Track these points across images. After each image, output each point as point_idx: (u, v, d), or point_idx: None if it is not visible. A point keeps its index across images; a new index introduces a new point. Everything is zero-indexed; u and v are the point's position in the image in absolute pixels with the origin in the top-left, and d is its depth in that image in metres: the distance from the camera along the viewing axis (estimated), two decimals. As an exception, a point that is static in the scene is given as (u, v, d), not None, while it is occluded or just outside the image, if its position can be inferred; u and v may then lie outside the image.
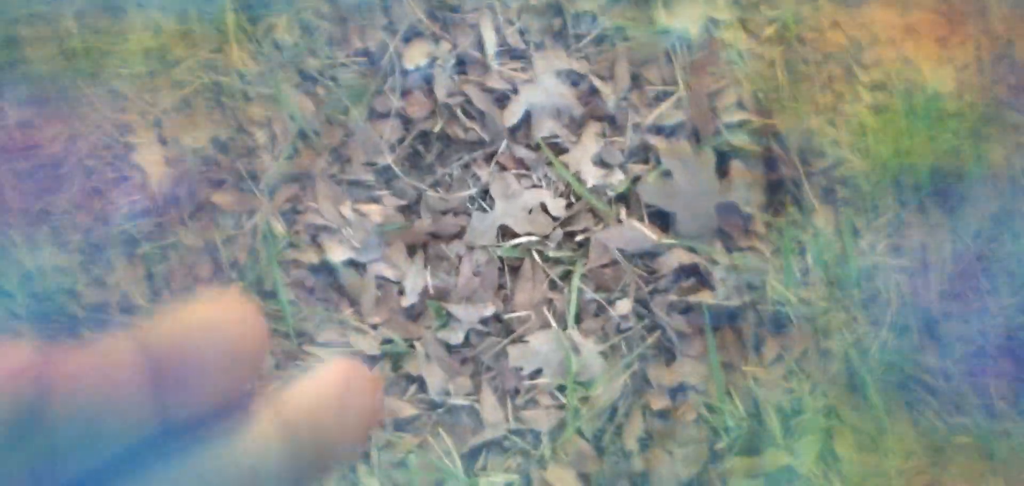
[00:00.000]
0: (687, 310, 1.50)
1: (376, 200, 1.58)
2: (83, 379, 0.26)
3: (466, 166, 1.59)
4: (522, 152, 1.58)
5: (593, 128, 1.58)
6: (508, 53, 1.64)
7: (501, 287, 1.53)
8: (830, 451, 1.43)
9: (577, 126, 1.59)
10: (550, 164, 1.57)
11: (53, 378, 0.25)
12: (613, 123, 1.59)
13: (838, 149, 1.55)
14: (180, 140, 1.68)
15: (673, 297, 1.50)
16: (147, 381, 0.26)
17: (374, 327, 1.53)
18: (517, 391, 1.49)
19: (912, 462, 1.41)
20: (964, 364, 1.44)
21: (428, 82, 1.63)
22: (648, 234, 1.52)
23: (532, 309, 1.51)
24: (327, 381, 0.29)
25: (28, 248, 1.66)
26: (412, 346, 1.52)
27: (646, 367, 1.49)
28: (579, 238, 1.54)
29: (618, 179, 1.55)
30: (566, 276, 1.52)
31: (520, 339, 1.50)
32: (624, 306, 1.50)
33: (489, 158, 1.59)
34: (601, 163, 1.57)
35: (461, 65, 1.64)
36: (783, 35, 1.61)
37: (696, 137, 1.57)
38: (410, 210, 1.58)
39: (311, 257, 1.57)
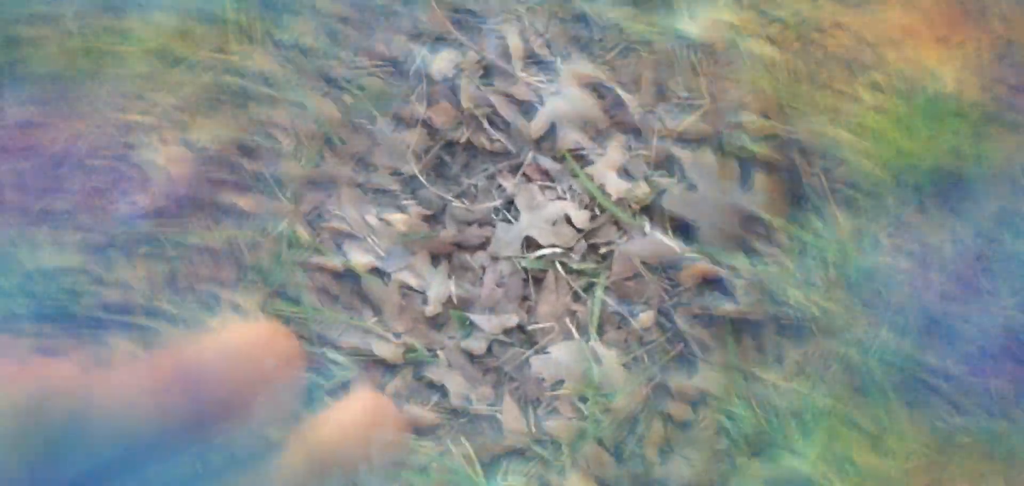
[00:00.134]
0: (709, 321, 1.53)
1: (401, 209, 1.62)
2: (121, 396, 0.26)
3: (491, 177, 1.62)
4: (547, 163, 1.61)
5: (618, 140, 1.61)
6: (534, 63, 1.67)
7: (524, 298, 1.56)
8: (849, 459, 1.45)
9: (602, 138, 1.62)
10: (575, 176, 1.60)
11: (93, 393, 0.26)
12: (638, 134, 1.62)
13: (859, 156, 1.57)
14: (204, 143, 1.71)
15: (696, 308, 1.53)
16: (183, 402, 0.27)
17: (397, 335, 1.57)
18: (539, 401, 1.52)
19: (932, 469, 1.44)
20: (985, 367, 1.47)
21: (454, 91, 1.66)
22: (671, 245, 1.55)
23: (555, 320, 1.54)
24: (353, 414, 0.29)
25: (49, 247, 1.69)
26: (435, 355, 1.55)
27: (668, 378, 1.51)
28: (603, 250, 1.57)
29: (642, 191, 1.58)
30: (589, 288, 1.56)
31: (543, 349, 1.53)
32: (647, 317, 1.53)
33: (514, 169, 1.62)
34: (625, 175, 1.60)
35: (487, 75, 1.67)
36: (807, 46, 1.64)
37: (720, 148, 1.60)
38: (435, 219, 1.61)
39: (335, 264, 1.60)
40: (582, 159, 1.62)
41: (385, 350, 1.56)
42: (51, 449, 0.25)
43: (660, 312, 1.54)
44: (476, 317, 1.55)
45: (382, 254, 1.60)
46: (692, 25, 1.67)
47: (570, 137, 1.62)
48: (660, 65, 1.66)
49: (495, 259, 1.58)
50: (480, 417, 1.53)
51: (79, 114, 1.77)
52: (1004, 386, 1.46)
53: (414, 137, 1.65)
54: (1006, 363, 1.47)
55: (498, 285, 1.56)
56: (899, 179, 1.57)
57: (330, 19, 1.73)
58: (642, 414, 1.50)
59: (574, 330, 1.54)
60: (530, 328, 1.55)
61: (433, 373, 1.54)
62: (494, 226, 1.59)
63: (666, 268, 1.55)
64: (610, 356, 1.52)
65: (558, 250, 1.57)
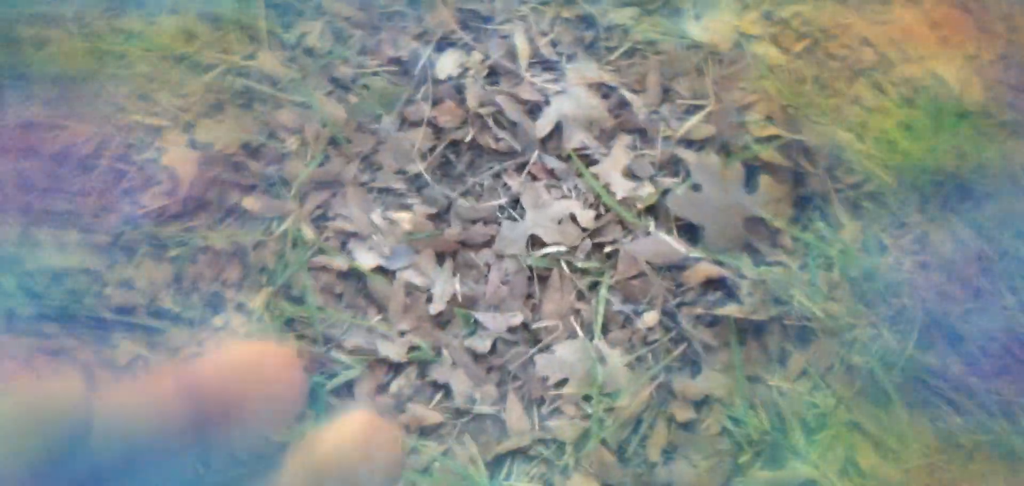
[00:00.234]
0: (714, 322, 1.54)
1: (406, 207, 1.63)
2: (127, 411, 0.27)
3: (497, 175, 1.64)
4: (553, 162, 1.63)
5: (623, 140, 1.63)
6: (540, 64, 1.69)
7: (529, 296, 1.57)
8: (854, 464, 1.46)
9: (607, 138, 1.64)
10: (580, 175, 1.61)
11: (100, 406, 0.26)
12: (643, 135, 1.64)
13: (865, 162, 1.59)
14: (210, 144, 1.73)
15: (700, 309, 1.54)
16: (187, 419, 0.27)
17: (402, 334, 1.58)
18: (543, 400, 1.53)
19: (936, 472, 1.45)
20: (988, 373, 1.48)
21: (460, 91, 1.68)
22: (676, 246, 1.56)
23: (559, 319, 1.56)
24: (353, 432, 0.29)
25: (54, 247, 1.71)
26: (439, 353, 1.56)
27: (671, 378, 1.53)
28: (608, 249, 1.58)
29: (647, 191, 1.60)
30: (594, 287, 1.57)
31: (547, 348, 1.55)
32: (651, 318, 1.54)
33: (520, 168, 1.64)
34: (631, 175, 1.61)
35: (493, 75, 1.69)
36: (812, 49, 1.66)
37: (725, 150, 1.61)
38: (440, 218, 1.63)
39: (340, 263, 1.62)
40: (587, 159, 1.63)
41: (389, 349, 1.57)
42: (53, 458, 0.26)
43: (664, 312, 1.55)
44: (481, 315, 1.57)
45: (387, 253, 1.61)
46: (697, 28, 1.69)
47: (576, 137, 1.64)
48: (666, 67, 1.67)
49: (500, 257, 1.59)
50: (484, 416, 1.54)
51: (84, 115, 1.79)
52: (1007, 388, 1.47)
53: (420, 137, 1.67)
54: (1009, 365, 1.48)
55: (503, 283, 1.58)
56: (903, 181, 1.58)
57: (336, 20, 1.75)
58: (646, 415, 1.51)
59: (578, 329, 1.55)
60: (535, 327, 1.56)
61: (437, 372, 1.56)
62: (499, 224, 1.61)
63: (671, 268, 1.57)
64: (614, 356, 1.53)
65: (563, 249, 1.58)
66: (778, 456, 1.49)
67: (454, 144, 1.67)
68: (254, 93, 1.75)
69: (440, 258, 1.61)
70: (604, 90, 1.67)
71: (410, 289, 1.60)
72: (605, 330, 1.55)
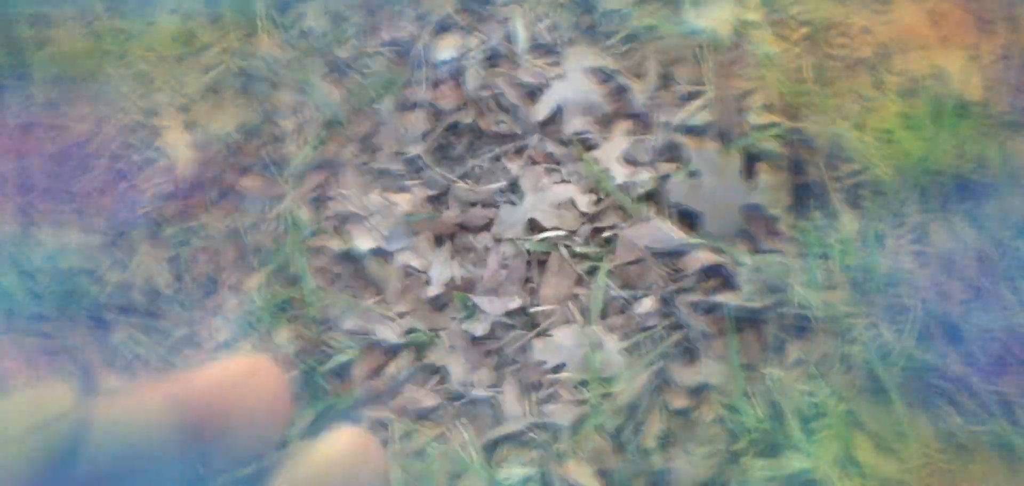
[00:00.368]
0: (711, 310, 1.55)
1: (404, 189, 1.64)
2: (118, 423, 0.27)
3: (496, 159, 1.65)
4: (552, 147, 1.64)
5: (622, 125, 1.64)
6: (539, 48, 1.70)
7: (527, 280, 1.58)
8: (849, 455, 1.47)
9: (606, 123, 1.65)
10: (579, 160, 1.62)
11: (92, 417, 0.27)
12: (642, 121, 1.65)
13: (864, 153, 1.60)
14: (207, 126, 1.73)
15: (697, 296, 1.55)
16: (177, 433, 0.28)
17: (399, 316, 1.59)
18: (539, 385, 1.54)
19: (930, 466, 1.46)
20: (986, 368, 1.49)
21: (458, 74, 1.69)
22: (674, 233, 1.57)
23: (557, 303, 1.57)
24: (339, 449, 0.30)
25: (52, 229, 1.71)
26: (436, 336, 1.57)
27: (668, 365, 1.54)
28: (606, 234, 1.59)
29: (646, 177, 1.61)
30: (592, 272, 1.58)
31: (544, 333, 1.56)
32: (648, 304, 1.55)
33: (519, 152, 1.65)
34: (630, 160, 1.62)
35: (492, 59, 1.70)
36: (812, 38, 1.67)
37: (724, 138, 1.63)
38: (438, 201, 1.64)
39: (337, 245, 1.63)
40: (586, 144, 1.64)
41: (386, 331, 1.58)
42: (45, 468, 0.26)
43: (662, 299, 1.56)
44: (478, 299, 1.58)
45: (385, 235, 1.62)
46: (697, 15, 1.70)
47: (575, 122, 1.65)
48: (665, 53, 1.68)
49: (498, 241, 1.60)
50: (480, 400, 1.55)
51: (84, 112, 1.79)
52: (1009, 387, 1.48)
53: (419, 119, 1.68)
54: (1012, 364, 1.50)
55: (501, 267, 1.59)
56: (902, 176, 1.59)
57: (333, 2, 1.76)
58: (642, 401, 1.52)
59: (576, 314, 1.56)
60: (532, 311, 1.57)
61: (434, 355, 1.57)
62: (498, 208, 1.62)
63: (669, 255, 1.58)
64: (611, 341, 1.54)
65: (562, 233, 1.59)
66: (774, 447, 1.50)
67: (453, 127, 1.68)
68: (251, 75, 1.76)
69: (438, 241, 1.62)
70: (603, 75, 1.68)
71: (408, 271, 1.61)
72: (603, 316, 1.56)
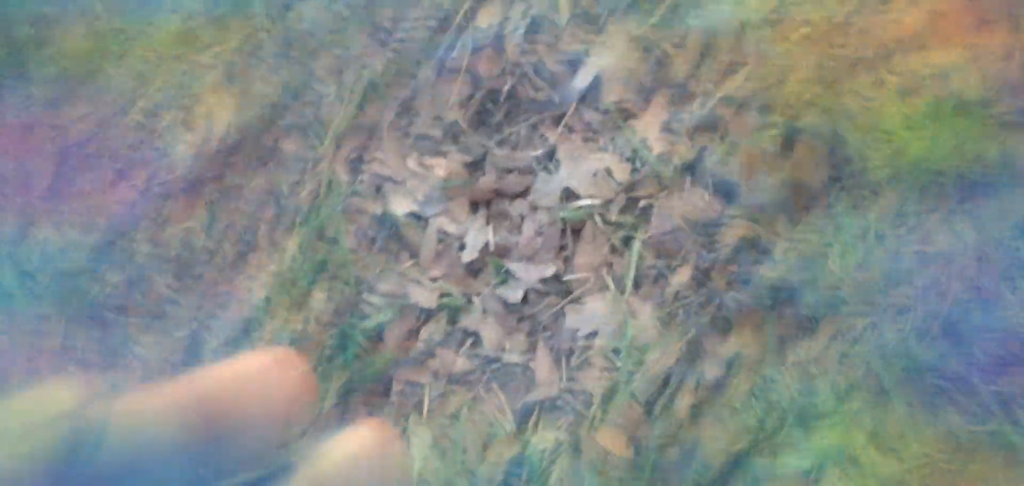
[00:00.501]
0: (746, 283, 1.56)
1: (442, 155, 1.66)
2: (135, 423, 0.27)
3: (534, 126, 1.67)
4: (590, 116, 1.65)
5: (662, 96, 1.65)
6: (581, 17, 1.71)
7: (562, 248, 1.60)
8: (883, 430, 1.48)
9: (646, 93, 1.66)
10: (617, 129, 1.64)
11: (107, 416, 0.27)
12: (682, 92, 1.65)
13: (899, 135, 1.60)
14: (249, 86, 1.76)
15: (733, 269, 1.56)
16: (196, 431, 0.27)
17: (433, 280, 1.61)
18: (572, 352, 1.56)
19: (957, 447, 1.46)
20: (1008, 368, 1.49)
21: (499, 42, 1.71)
22: (711, 205, 1.58)
23: (591, 272, 1.58)
24: (361, 444, 0.30)
25: (89, 184, 1.74)
26: (470, 301, 1.59)
27: (702, 336, 1.55)
28: (642, 204, 1.61)
29: (684, 148, 1.62)
30: (627, 241, 1.59)
31: (578, 301, 1.57)
32: (684, 275, 1.57)
33: (557, 120, 1.66)
34: (668, 131, 1.63)
35: (533, 27, 1.71)
36: (857, 12, 1.67)
37: (764, 111, 1.63)
38: (475, 167, 1.66)
39: (374, 207, 1.65)
40: (625, 113, 1.65)
41: (421, 295, 1.60)
42: (52, 472, 0.26)
43: (697, 271, 1.57)
44: (513, 266, 1.60)
45: (421, 199, 1.65)
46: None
47: (614, 91, 1.66)
48: (706, 25, 1.69)
49: (534, 208, 1.62)
50: (513, 366, 1.57)
51: (135, 55, 1.82)
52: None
53: (457, 85, 1.70)
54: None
55: (536, 234, 1.60)
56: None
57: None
58: (675, 371, 1.53)
59: (610, 283, 1.58)
60: (566, 279, 1.59)
61: (468, 320, 1.59)
62: (534, 175, 1.63)
63: (705, 226, 1.59)
64: (645, 311, 1.56)
65: (597, 202, 1.61)
66: (805, 419, 1.51)
67: (492, 93, 1.69)
68: (294, 37, 1.78)
69: (474, 207, 1.64)
70: (644, 46, 1.69)
71: (443, 236, 1.63)
72: (637, 285, 1.57)
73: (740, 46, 1.67)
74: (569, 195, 1.62)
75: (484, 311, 1.58)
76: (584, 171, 1.62)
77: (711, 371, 1.53)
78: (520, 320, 1.58)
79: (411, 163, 1.66)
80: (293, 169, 1.70)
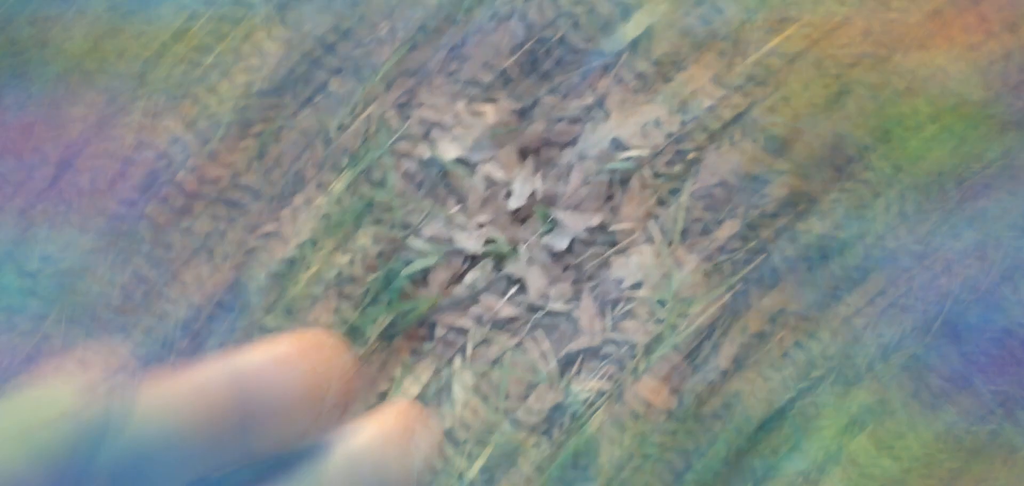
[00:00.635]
0: (793, 237, 1.57)
1: (491, 101, 1.68)
2: (170, 401, 0.27)
3: (584, 75, 1.67)
4: (640, 66, 1.66)
5: (714, 47, 1.65)
6: (633, -35, 1.71)
7: (609, 198, 1.61)
8: (926, 389, 1.49)
9: (697, 45, 1.66)
10: (668, 80, 1.64)
11: (141, 392, 0.27)
12: (735, 44, 1.66)
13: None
14: (300, 23, 1.77)
15: (781, 223, 1.57)
16: (232, 413, 0.27)
17: (479, 226, 1.63)
18: (616, 302, 1.58)
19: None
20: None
21: (551, -13, 1.71)
22: (760, 158, 1.59)
23: (638, 223, 1.59)
24: (391, 423, 0.30)
25: (146, 127, 1.76)
26: (515, 249, 1.61)
27: (747, 289, 1.56)
28: (691, 156, 1.61)
29: (734, 101, 1.62)
30: (674, 193, 1.60)
31: (624, 251, 1.59)
32: (730, 227, 1.58)
33: (607, 69, 1.67)
34: (718, 83, 1.64)
35: (585, -27, 1.72)
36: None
37: (816, 65, 1.63)
38: (524, 114, 1.67)
39: (422, 151, 1.67)
40: (676, 64, 1.66)
41: (466, 240, 1.62)
42: (62, 469, 0.26)
43: (744, 224, 1.58)
44: (559, 214, 1.61)
45: (469, 144, 1.66)
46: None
47: (665, 42, 1.66)
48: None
49: (582, 158, 1.63)
50: (557, 314, 1.59)
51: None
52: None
53: (510, 31, 1.71)
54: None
55: (584, 183, 1.62)
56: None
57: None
58: (719, 324, 1.55)
59: (656, 234, 1.59)
60: (612, 229, 1.60)
61: (513, 267, 1.61)
62: (583, 124, 1.64)
63: (754, 180, 1.60)
64: (691, 262, 1.57)
65: (646, 153, 1.61)
66: (849, 376, 1.52)
67: (543, 41, 1.70)
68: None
69: (522, 154, 1.65)
70: (697, -4, 1.69)
71: (490, 182, 1.65)
72: (683, 237, 1.58)
73: (793, -1, 1.67)
74: (617, 145, 1.63)
75: (529, 259, 1.60)
76: (633, 121, 1.63)
77: (755, 324, 1.55)
78: (565, 269, 1.60)
79: (460, 108, 1.67)
80: (341, 110, 1.71)
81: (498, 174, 1.64)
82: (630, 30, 1.68)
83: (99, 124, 1.77)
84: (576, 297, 1.59)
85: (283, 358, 0.28)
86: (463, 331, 1.59)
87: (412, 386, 1.55)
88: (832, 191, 1.58)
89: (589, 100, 1.66)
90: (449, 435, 1.54)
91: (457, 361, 1.57)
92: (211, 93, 1.77)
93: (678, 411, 1.52)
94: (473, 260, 1.62)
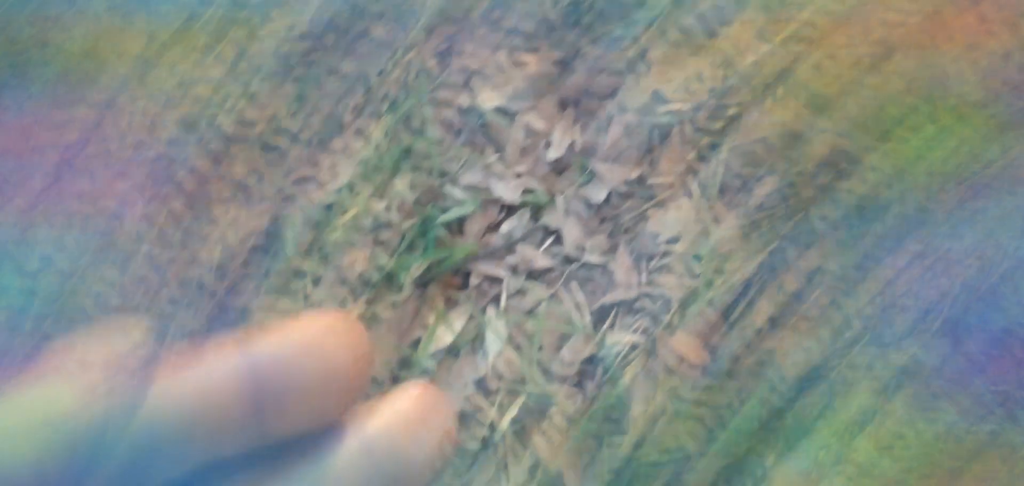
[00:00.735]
0: (833, 196, 1.57)
1: (533, 50, 1.68)
2: (184, 384, 0.27)
3: (627, 27, 1.67)
4: (684, 19, 1.66)
5: (757, 3, 1.65)
6: (678, -83, 1.71)
7: (648, 151, 1.62)
8: (962, 350, 1.49)
9: (741, 0, 1.66)
10: (711, 35, 1.64)
11: (159, 373, 0.27)
12: (779, 1, 1.65)
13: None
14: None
15: (821, 181, 1.57)
16: (247, 397, 0.27)
17: (517, 176, 1.64)
18: (652, 256, 1.58)
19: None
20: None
21: (595, -62, 1.71)
22: (801, 116, 1.59)
23: (676, 177, 1.60)
24: (406, 405, 0.30)
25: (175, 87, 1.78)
26: (553, 199, 1.62)
27: (785, 248, 1.56)
28: (732, 112, 1.61)
29: (777, 57, 1.62)
30: (714, 148, 1.61)
31: (661, 205, 1.59)
32: (769, 184, 1.58)
33: (650, 22, 1.67)
34: (762, 39, 1.63)
35: (630, -76, 1.71)
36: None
37: (860, 24, 1.63)
38: (565, 64, 1.67)
39: (462, 99, 1.67)
40: (720, 18, 1.66)
41: (504, 190, 1.63)
42: (63, 470, 0.26)
43: (784, 181, 1.58)
44: (598, 166, 1.62)
45: (509, 94, 1.67)
46: None
47: (709, -5, 1.66)
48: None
49: (622, 110, 1.63)
50: (593, 266, 1.59)
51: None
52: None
53: (551, -20, 1.71)
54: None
55: (623, 136, 1.62)
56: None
57: None
58: (755, 281, 1.55)
59: (695, 189, 1.59)
60: (651, 182, 1.61)
61: (550, 217, 1.62)
62: (625, 76, 1.65)
63: (795, 137, 1.60)
64: (728, 219, 1.58)
65: (686, 107, 1.62)
66: (885, 336, 1.52)
67: (586, -9, 1.70)
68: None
69: (562, 105, 1.66)
70: (742, -50, 1.68)
71: (529, 132, 1.65)
72: (722, 193, 1.59)
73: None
74: (658, 99, 1.63)
75: (566, 210, 1.61)
76: (675, 75, 1.63)
77: (791, 283, 1.55)
78: (602, 221, 1.61)
79: (501, 57, 1.68)
80: (382, 56, 1.72)
81: (537, 124, 1.65)
82: (674, -17, 1.68)
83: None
84: (612, 250, 1.59)
85: (298, 342, 0.28)
86: (498, 280, 1.60)
87: (445, 335, 1.56)
88: (874, 152, 1.58)
89: (631, 53, 1.66)
90: (481, 385, 1.55)
91: (491, 311, 1.59)
92: (252, 37, 1.78)
93: (712, 367, 1.53)
94: (510, 210, 1.63)
